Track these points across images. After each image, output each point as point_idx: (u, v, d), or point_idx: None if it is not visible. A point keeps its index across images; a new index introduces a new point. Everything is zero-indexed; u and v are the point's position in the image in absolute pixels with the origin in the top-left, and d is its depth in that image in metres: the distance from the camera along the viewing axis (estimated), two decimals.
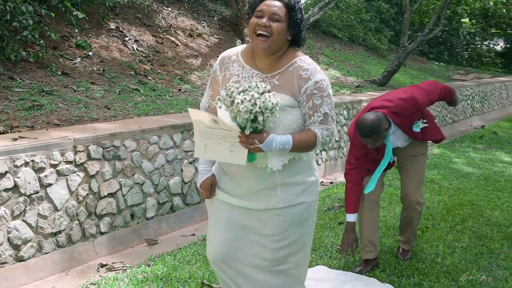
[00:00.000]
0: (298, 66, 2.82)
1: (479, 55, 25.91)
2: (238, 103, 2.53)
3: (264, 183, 2.87)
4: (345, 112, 8.80)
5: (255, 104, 2.53)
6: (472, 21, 25.57)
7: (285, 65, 2.83)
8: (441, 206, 6.53)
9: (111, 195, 4.94)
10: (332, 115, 2.89)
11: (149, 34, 10.00)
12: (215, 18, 12.56)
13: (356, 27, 17.48)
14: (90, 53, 8.24)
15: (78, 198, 4.62)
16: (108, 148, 4.90)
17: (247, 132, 2.59)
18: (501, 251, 5.15)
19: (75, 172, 4.59)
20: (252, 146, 2.63)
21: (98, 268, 4.53)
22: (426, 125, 4.45)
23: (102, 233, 4.85)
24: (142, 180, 5.22)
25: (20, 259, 4.16)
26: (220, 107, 2.66)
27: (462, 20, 24.68)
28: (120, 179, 5.02)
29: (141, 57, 8.98)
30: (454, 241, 5.36)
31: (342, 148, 8.70)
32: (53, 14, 7.53)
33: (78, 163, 4.63)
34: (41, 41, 7.21)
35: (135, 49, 9.16)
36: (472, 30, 25.76)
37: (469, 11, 24.66)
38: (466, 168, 8.80)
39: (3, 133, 4.87)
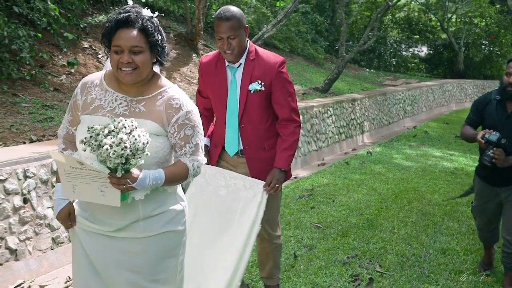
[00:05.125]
0: (168, 95, 2.68)
1: (405, 61, 27.59)
2: (107, 149, 2.34)
3: (127, 217, 2.68)
4: (300, 117, 9.95)
5: (126, 147, 2.35)
6: (397, 30, 27.25)
7: (153, 92, 2.68)
8: (390, 192, 7.82)
9: None
10: (202, 146, 2.80)
11: None
12: (171, 35, 13.57)
13: (295, 39, 18.61)
14: (72, 70, 9.16)
15: None
16: None
17: (119, 174, 2.42)
18: (443, 223, 6.47)
19: None
20: (124, 187, 2.47)
21: None
22: (263, 89, 4.00)
23: None
24: None
25: None
26: (85, 150, 2.43)
27: (390, 32, 26.27)
28: None
29: None
30: (405, 217, 6.64)
31: (300, 148, 9.89)
32: (40, 35, 8.46)
33: None
34: (31, 61, 8.02)
35: None
36: (398, 39, 27.48)
37: (394, 20, 26.36)
38: (405, 162, 10.16)
39: (37, 141, 5.87)
